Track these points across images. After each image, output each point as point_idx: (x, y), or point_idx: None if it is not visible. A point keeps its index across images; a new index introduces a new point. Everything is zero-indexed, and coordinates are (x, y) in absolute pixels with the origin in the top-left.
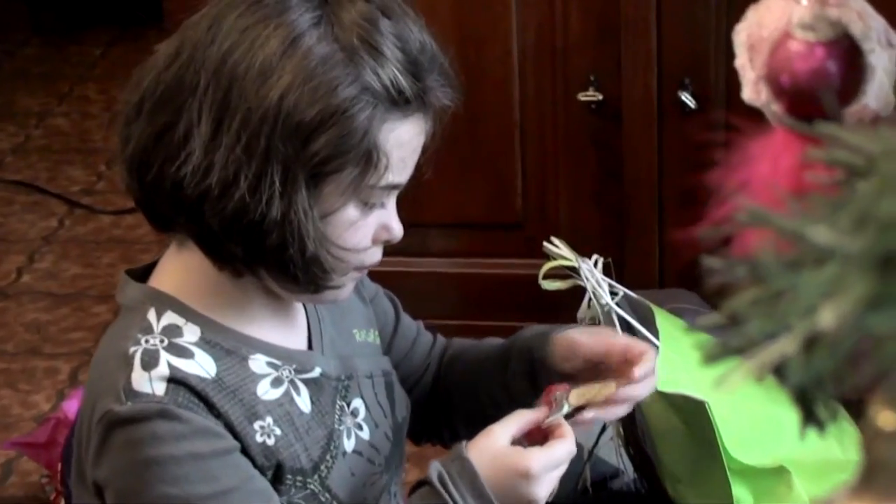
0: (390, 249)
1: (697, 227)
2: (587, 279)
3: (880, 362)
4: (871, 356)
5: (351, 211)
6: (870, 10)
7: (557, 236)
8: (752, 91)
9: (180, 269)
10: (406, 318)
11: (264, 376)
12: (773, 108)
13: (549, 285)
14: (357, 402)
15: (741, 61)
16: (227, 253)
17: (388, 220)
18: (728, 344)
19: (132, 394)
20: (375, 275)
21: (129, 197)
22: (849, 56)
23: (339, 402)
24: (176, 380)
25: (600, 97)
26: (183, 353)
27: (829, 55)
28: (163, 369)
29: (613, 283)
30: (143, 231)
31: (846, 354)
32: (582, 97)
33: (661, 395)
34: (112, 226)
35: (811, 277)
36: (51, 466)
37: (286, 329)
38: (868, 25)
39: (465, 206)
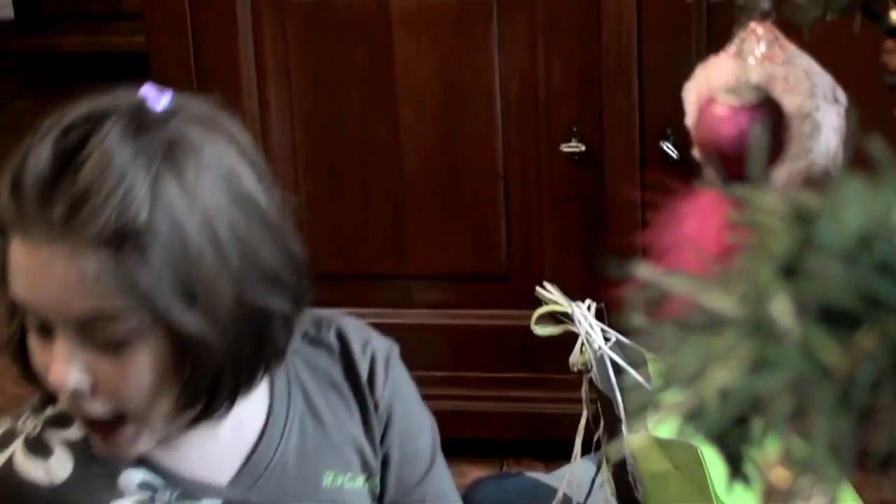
0: (374, 301)
1: (626, 287)
2: (580, 323)
3: (767, 422)
4: (761, 416)
5: (33, 333)
6: (816, 68)
7: (542, 287)
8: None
9: None
10: (435, 478)
11: (128, 495)
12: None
13: (542, 331)
14: None
15: (691, 119)
16: None
17: (51, 358)
18: (649, 399)
19: None
20: None
21: None
22: (774, 118)
23: None
24: (5, 476)
25: (583, 148)
26: (38, 450)
27: (752, 119)
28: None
29: (606, 327)
30: None
31: (739, 413)
32: (565, 148)
33: (652, 440)
34: None
35: (699, 343)
36: None
37: (206, 452)
38: (814, 83)
39: (450, 257)
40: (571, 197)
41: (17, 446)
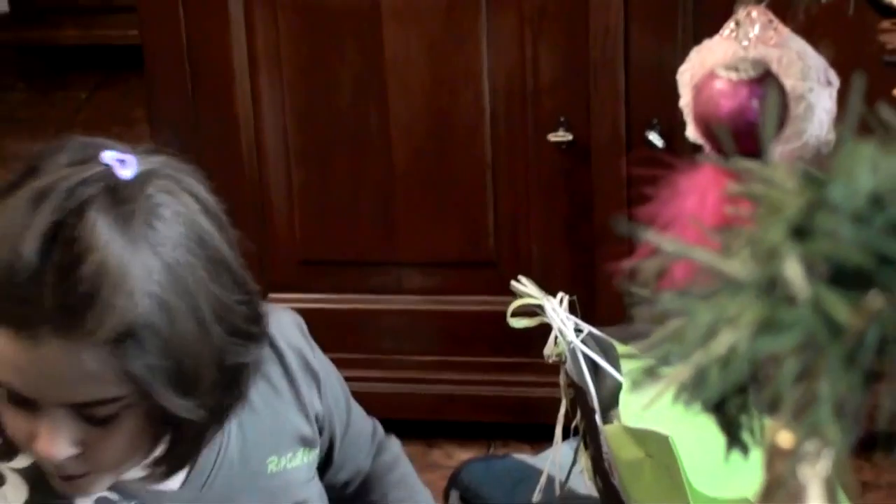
0: (365, 287)
1: (628, 260)
2: (552, 318)
3: (775, 384)
4: (768, 378)
5: (9, 403)
6: (809, 51)
7: (529, 274)
8: (695, 129)
9: None
10: (354, 416)
11: None
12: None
13: (517, 323)
14: None
15: (685, 101)
16: None
17: (35, 430)
18: (646, 370)
19: None
20: (351, 312)
21: None
22: (777, 93)
23: None
24: None
25: (570, 138)
26: None
27: (752, 93)
28: None
29: (578, 320)
30: None
31: (741, 378)
32: (552, 138)
33: (626, 429)
34: None
35: (706, 306)
36: None
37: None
38: (807, 65)
39: (440, 245)
40: (558, 186)
41: None
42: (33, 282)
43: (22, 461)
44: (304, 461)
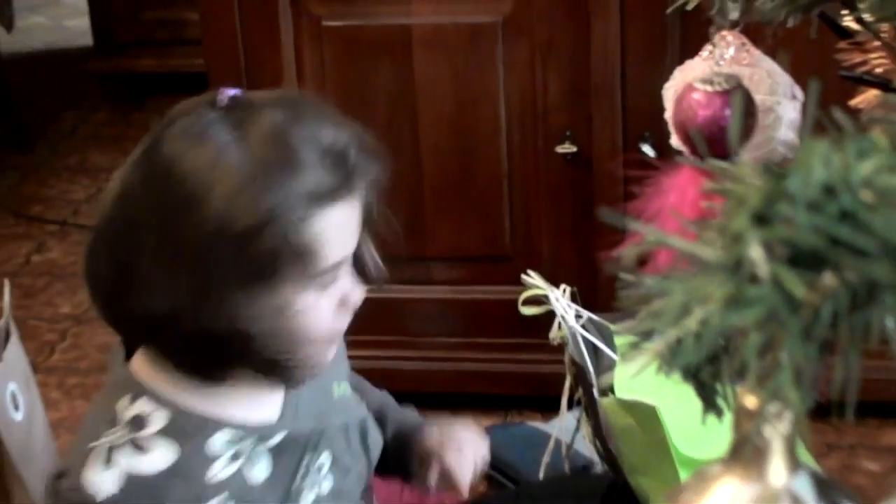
0: (399, 279)
1: (619, 248)
2: (556, 306)
3: (742, 354)
4: (736, 349)
5: (307, 298)
6: (777, 69)
7: (540, 268)
8: (676, 136)
9: (152, 356)
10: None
11: (221, 455)
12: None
13: (527, 311)
14: (324, 457)
15: (669, 113)
16: (199, 365)
17: (343, 291)
18: (632, 345)
19: (88, 491)
20: (388, 301)
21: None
22: (746, 104)
23: (305, 458)
24: (130, 476)
25: (575, 149)
26: (142, 447)
27: (725, 103)
28: (119, 468)
29: (579, 308)
30: None
31: (713, 349)
32: (559, 150)
33: (619, 401)
34: None
35: (681, 286)
36: None
37: (258, 399)
38: (775, 81)
39: (463, 242)
40: (565, 191)
41: (127, 454)
42: (351, 157)
43: (155, 426)
44: (349, 389)
